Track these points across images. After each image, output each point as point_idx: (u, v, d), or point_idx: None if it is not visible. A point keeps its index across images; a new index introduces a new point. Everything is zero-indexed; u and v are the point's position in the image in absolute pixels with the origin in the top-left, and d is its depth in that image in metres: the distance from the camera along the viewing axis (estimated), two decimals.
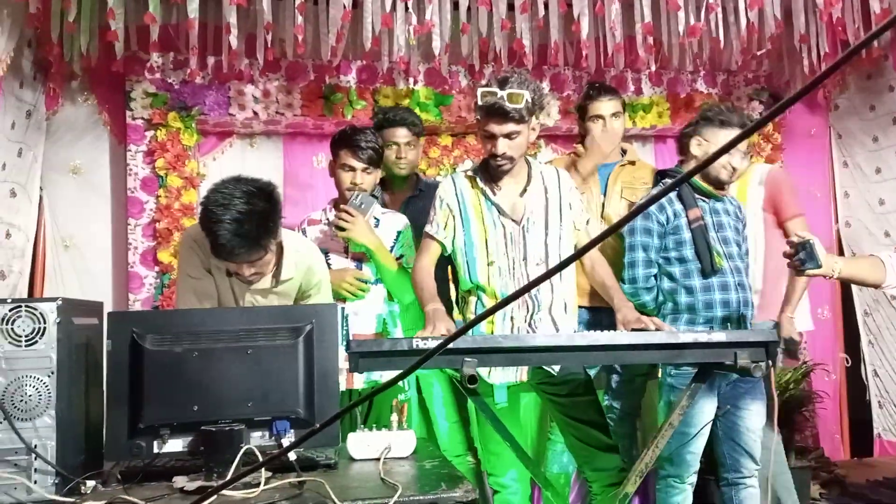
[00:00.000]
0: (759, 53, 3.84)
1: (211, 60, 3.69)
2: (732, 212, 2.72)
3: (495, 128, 2.31)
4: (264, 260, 2.13)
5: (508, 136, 2.32)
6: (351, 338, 2.57)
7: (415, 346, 1.88)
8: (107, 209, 3.85)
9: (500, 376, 2.34)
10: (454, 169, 4.12)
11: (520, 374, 2.36)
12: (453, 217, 2.45)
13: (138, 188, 3.75)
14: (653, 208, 2.72)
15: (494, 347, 1.94)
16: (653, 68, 3.93)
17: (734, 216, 2.72)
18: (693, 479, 2.63)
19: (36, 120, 3.60)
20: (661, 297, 2.65)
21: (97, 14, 3.30)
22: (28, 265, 3.60)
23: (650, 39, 3.56)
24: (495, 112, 2.28)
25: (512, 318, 2.38)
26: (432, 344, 1.88)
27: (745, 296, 2.62)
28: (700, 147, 2.66)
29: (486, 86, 2.31)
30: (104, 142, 3.86)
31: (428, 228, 2.48)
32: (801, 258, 2.16)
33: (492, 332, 2.35)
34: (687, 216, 2.62)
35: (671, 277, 2.64)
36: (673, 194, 2.71)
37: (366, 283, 2.65)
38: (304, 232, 2.76)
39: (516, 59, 3.66)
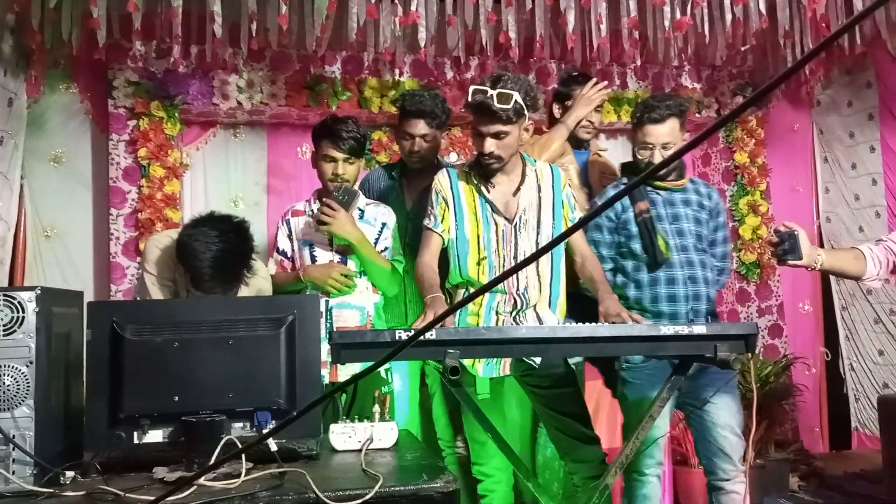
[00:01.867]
0: (743, 49, 3.87)
1: (195, 49, 3.66)
2: (695, 201, 2.67)
3: (482, 127, 2.31)
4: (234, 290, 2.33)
5: (496, 135, 2.32)
6: (334, 330, 2.57)
7: (397, 338, 1.88)
8: (88, 199, 3.82)
9: (483, 369, 2.35)
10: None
11: (503, 367, 2.36)
12: (448, 210, 2.44)
13: (120, 178, 3.72)
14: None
15: (477, 339, 1.95)
16: (638, 62, 3.95)
17: (697, 206, 2.66)
18: (657, 470, 2.59)
19: (17, 108, 3.56)
20: (617, 292, 2.64)
21: (80, 1, 3.26)
22: (9, 254, 3.56)
23: (636, 33, 3.57)
24: (483, 111, 2.28)
25: (497, 312, 2.39)
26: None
27: (696, 290, 2.57)
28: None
29: (480, 84, 2.30)
30: (86, 130, 3.83)
31: (426, 222, 2.47)
32: (784, 248, 2.17)
33: (477, 325, 2.36)
34: (634, 209, 2.62)
35: (624, 272, 2.66)
36: (620, 187, 2.74)
37: (351, 277, 2.65)
38: (287, 223, 2.75)
39: (502, 51, 3.65)
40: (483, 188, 2.43)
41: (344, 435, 1.93)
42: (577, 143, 3.08)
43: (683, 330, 1.95)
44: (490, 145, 2.33)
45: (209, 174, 3.98)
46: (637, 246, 2.60)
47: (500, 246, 2.40)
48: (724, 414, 2.56)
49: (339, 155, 2.63)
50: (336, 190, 2.60)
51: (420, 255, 2.45)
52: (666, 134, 2.57)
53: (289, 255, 2.74)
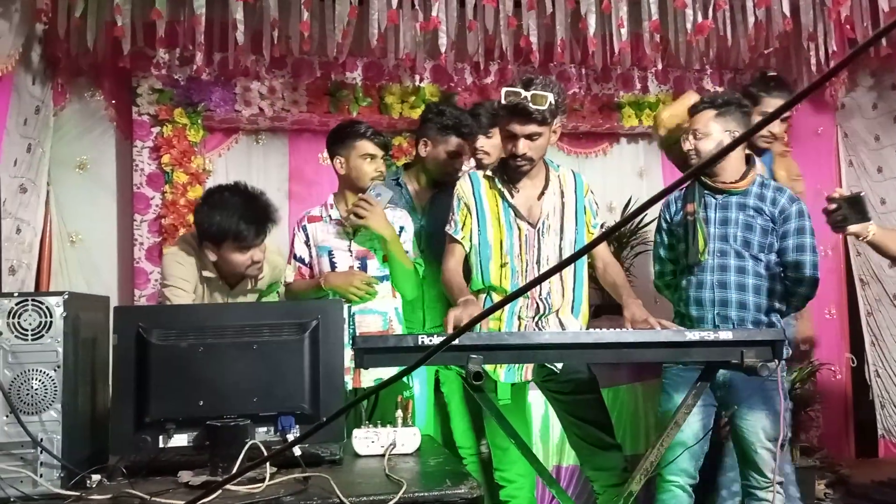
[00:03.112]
0: (766, 52, 3.83)
1: (217, 57, 3.69)
2: (752, 206, 2.55)
3: (517, 128, 2.31)
4: (261, 254, 2.50)
5: (530, 137, 2.32)
6: (357, 335, 2.57)
7: (420, 343, 1.87)
8: (113, 205, 3.86)
9: (504, 375, 2.34)
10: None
11: (524, 373, 2.36)
12: (470, 216, 2.44)
13: (144, 184, 3.76)
14: (661, 206, 2.73)
15: (500, 344, 1.94)
16: (659, 66, 3.92)
17: (753, 210, 2.54)
18: (681, 479, 2.54)
19: (44, 116, 3.62)
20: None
21: (104, 9, 3.30)
22: (35, 260, 3.61)
23: (657, 37, 3.55)
24: (519, 112, 2.28)
25: (520, 317, 2.38)
26: (437, 340, 1.88)
27: (724, 295, 2.52)
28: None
29: (511, 86, 2.30)
30: (110, 137, 3.87)
31: (448, 229, 2.47)
32: (844, 213, 2.12)
33: (499, 330, 2.35)
34: (685, 210, 2.61)
35: (673, 274, 2.66)
36: (678, 193, 2.72)
37: (372, 284, 2.65)
38: (303, 229, 2.73)
39: (522, 56, 3.65)
40: (507, 193, 2.42)
41: (367, 440, 1.93)
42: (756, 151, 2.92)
43: (709, 336, 1.93)
44: (524, 147, 2.33)
45: (231, 180, 3.99)
46: (682, 248, 2.59)
47: (523, 251, 2.39)
48: (757, 427, 2.52)
49: (378, 152, 2.67)
50: (372, 187, 2.62)
51: (445, 262, 2.46)
52: (696, 122, 2.57)
53: (306, 261, 2.73)
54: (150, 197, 3.76)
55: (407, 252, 2.70)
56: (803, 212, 2.59)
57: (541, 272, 2.38)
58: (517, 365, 2.33)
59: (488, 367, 2.31)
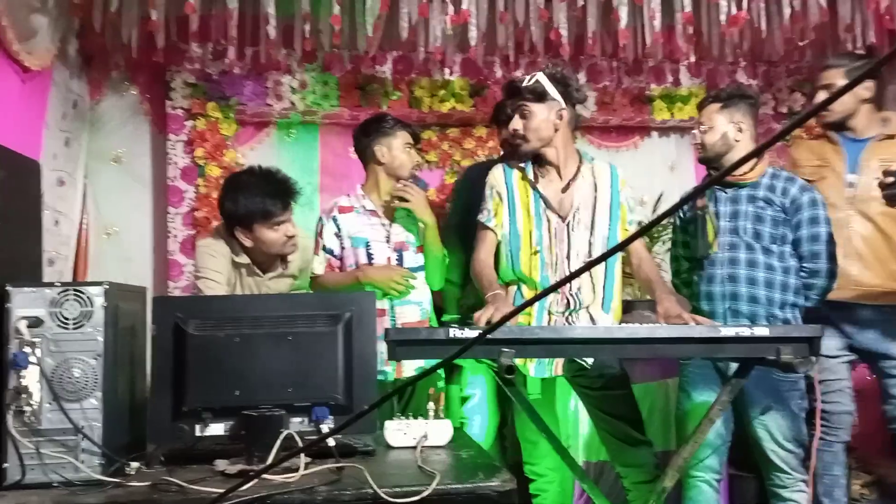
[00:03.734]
0: (802, 43, 3.75)
1: (249, 51, 3.72)
2: (762, 198, 2.52)
3: (508, 104, 2.40)
4: (294, 229, 2.57)
5: (521, 114, 2.35)
6: (398, 326, 2.59)
7: (451, 336, 1.88)
8: (147, 198, 3.92)
9: (534, 369, 2.33)
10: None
11: (555, 367, 2.35)
12: (502, 204, 2.44)
13: (178, 177, 3.81)
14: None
15: (532, 338, 1.94)
16: (692, 59, 3.87)
17: (763, 202, 2.52)
18: (707, 476, 2.53)
19: (81, 110, 3.68)
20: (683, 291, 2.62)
21: (139, 4, 3.35)
22: (72, 252, 3.68)
23: (690, 29, 3.50)
24: (509, 91, 2.38)
25: (550, 312, 2.37)
26: (469, 333, 1.88)
27: (735, 289, 2.48)
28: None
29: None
30: (145, 131, 3.93)
31: (481, 217, 2.47)
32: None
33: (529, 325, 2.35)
34: (695, 205, 2.58)
35: (687, 270, 2.64)
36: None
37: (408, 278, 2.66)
38: (334, 220, 2.71)
39: (552, 49, 3.63)
40: (538, 183, 2.42)
41: (399, 432, 1.94)
42: (852, 129, 2.81)
43: (744, 332, 1.91)
44: (515, 122, 2.37)
45: None
46: (694, 243, 2.57)
47: (553, 243, 2.38)
48: (774, 428, 2.52)
49: (414, 142, 2.73)
50: (412, 176, 2.67)
51: (476, 252, 2.45)
52: (702, 115, 2.58)
53: (336, 253, 2.70)
54: (183, 190, 3.81)
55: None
56: (816, 201, 2.54)
57: (571, 267, 2.37)
58: (547, 360, 2.32)
59: (518, 362, 2.30)
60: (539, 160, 2.43)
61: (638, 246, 2.49)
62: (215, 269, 2.56)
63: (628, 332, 1.98)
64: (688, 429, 2.46)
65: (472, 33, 3.36)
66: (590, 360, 2.34)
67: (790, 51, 3.90)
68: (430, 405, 2.01)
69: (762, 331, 1.91)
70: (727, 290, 2.50)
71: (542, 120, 2.36)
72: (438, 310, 2.98)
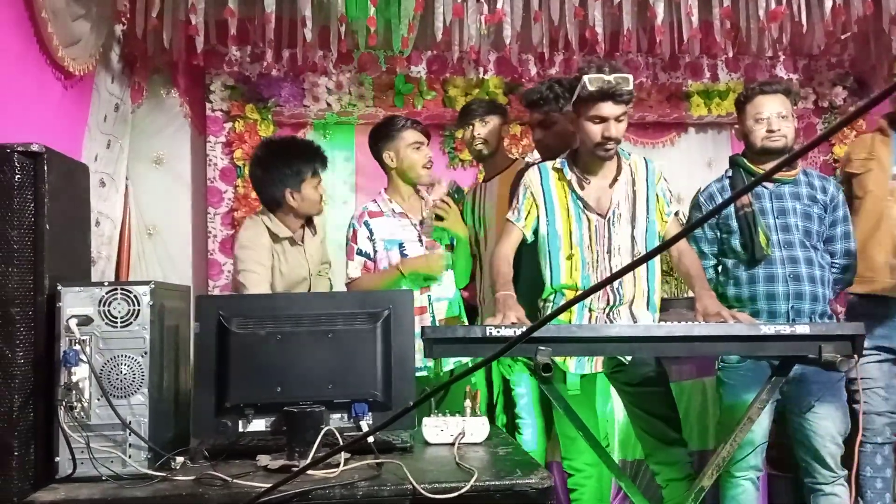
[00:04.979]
0: (843, 37, 3.68)
1: (286, 53, 3.78)
2: (806, 195, 2.53)
3: (609, 110, 2.28)
4: (321, 187, 2.71)
5: (618, 118, 2.31)
6: (437, 322, 2.62)
7: (488, 334, 1.89)
8: (187, 198, 4.01)
9: (574, 366, 2.33)
10: (523, 159, 4.10)
11: (594, 364, 2.35)
12: (536, 206, 2.44)
13: (217, 178, 3.88)
14: (703, 199, 2.68)
15: (569, 336, 1.94)
16: (730, 54, 3.82)
17: (808, 199, 2.53)
18: (751, 475, 2.52)
19: (123, 112, 3.77)
20: (718, 290, 2.57)
21: (180, 9, 3.42)
22: (115, 252, 3.77)
23: (728, 24, 3.46)
24: (610, 96, 2.26)
25: (591, 309, 2.36)
26: (505, 331, 1.89)
27: (798, 288, 2.46)
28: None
29: (581, 73, 2.29)
30: (185, 133, 4.02)
31: (510, 216, 2.47)
32: None
33: (570, 322, 2.34)
34: (734, 204, 2.52)
35: (724, 269, 2.59)
36: (725, 182, 2.66)
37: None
38: (365, 224, 2.72)
39: (587, 46, 3.61)
40: (576, 185, 2.41)
41: (436, 428, 1.96)
42: None
43: (785, 330, 1.89)
44: (614, 129, 2.31)
45: None
46: (737, 242, 2.53)
47: (593, 241, 2.37)
48: (827, 423, 2.49)
49: (424, 140, 2.73)
50: (450, 185, 2.67)
51: (499, 246, 2.45)
52: (780, 104, 2.51)
53: (371, 256, 2.73)
54: (222, 191, 3.88)
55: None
56: (844, 199, 2.63)
57: (612, 263, 2.35)
58: (587, 357, 2.32)
59: (558, 359, 2.31)
60: (584, 158, 2.42)
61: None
62: (258, 262, 2.59)
63: (666, 330, 1.97)
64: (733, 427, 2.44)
65: (507, 32, 3.37)
66: (629, 357, 2.33)
67: (831, 44, 3.83)
68: (467, 402, 2.02)
69: (803, 329, 1.88)
70: (791, 290, 2.47)
71: (626, 122, 2.38)
72: (471, 308, 3.00)
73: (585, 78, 2.26)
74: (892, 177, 2.71)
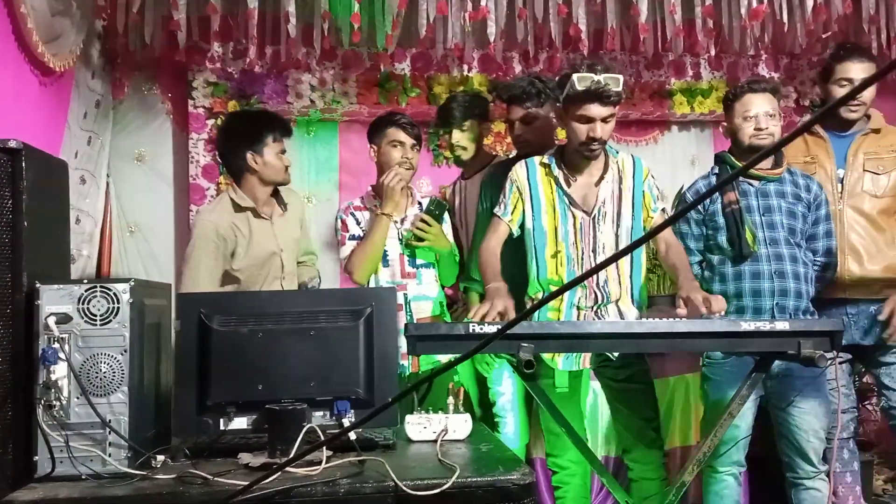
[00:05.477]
0: (824, 36, 3.72)
1: (269, 50, 3.76)
2: (791, 193, 2.58)
3: (595, 111, 2.28)
4: (286, 157, 2.65)
5: (605, 119, 2.31)
6: (414, 321, 2.62)
7: (471, 331, 1.89)
8: (170, 195, 3.98)
9: (562, 363, 2.34)
10: (507, 156, 4.11)
11: (582, 360, 2.35)
12: (522, 201, 2.44)
13: (200, 175, 3.86)
14: (689, 195, 2.72)
15: (551, 333, 1.94)
16: (712, 52, 3.85)
17: (793, 198, 2.57)
18: (734, 470, 2.55)
19: (104, 109, 3.74)
20: (703, 286, 2.59)
21: (161, 5, 3.39)
22: (96, 249, 3.74)
23: (710, 22, 3.48)
24: (597, 96, 2.26)
25: (578, 307, 2.37)
26: (488, 328, 1.89)
27: (783, 285, 2.49)
28: None
29: (575, 71, 2.28)
30: (167, 130, 3.99)
31: (497, 210, 2.48)
32: None
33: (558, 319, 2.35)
34: (722, 200, 2.55)
35: (710, 265, 2.61)
36: (712, 178, 2.69)
37: (420, 266, 2.71)
38: (352, 215, 2.78)
39: (571, 44, 3.63)
40: (563, 181, 2.41)
41: (419, 425, 1.96)
42: (840, 124, 2.80)
43: (765, 326, 1.90)
44: (600, 130, 2.31)
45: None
46: (723, 238, 2.55)
47: (578, 238, 2.38)
48: (809, 417, 2.53)
49: (408, 140, 2.71)
50: (430, 203, 2.67)
51: (486, 241, 2.45)
52: (767, 103, 2.53)
53: (362, 238, 2.75)
54: (205, 188, 3.86)
55: (451, 242, 2.79)
56: (827, 198, 2.67)
57: (596, 260, 2.36)
58: (575, 353, 2.32)
59: (546, 356, 2.31)
60: (572, 156, 2.42)
61: (665, 232, 2.48)
62: (204, 259, 2.54)
63: (648, 326, 1.98)
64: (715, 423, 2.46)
65: (491, 29, 3.37)
66: (615, 353, 2.34)
67: (812, 43, 3.87)
68: (450, 399, 2.02)
69: (783, 325, 1.90)
70: (776, 286, 2.49)
71: (614, 122, 2.38)
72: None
73: (574, 76, 2.26)
74: (838, 180, 2.76)
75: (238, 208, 2.60)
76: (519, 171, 2.47)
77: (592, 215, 2.39)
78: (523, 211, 2.44)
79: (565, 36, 3.53)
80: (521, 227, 2.45)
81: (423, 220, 2.64)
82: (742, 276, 2.53)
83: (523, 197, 2.44)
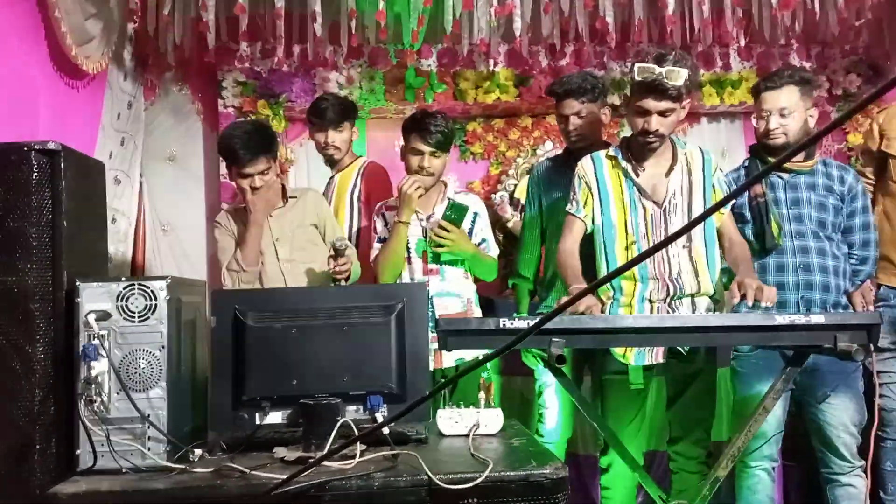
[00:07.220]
0: (857, 24, 3.65)
1: (297, 49, 3.79)
2: (823, 185, 2.53)
3: (651, 104, 2.26)
4: (268, 177, 2.68)
5: (663, 113, 2.28)
6: (437, 317, 2.62)
7: (501, 326, 1.90)
8: (201, 195, 4.03)
9: (634, 357, 2.31)
10: (534, 151, 4.11)
11: (655, 354, 2.31)
12: (591, 196, 2.41)
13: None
14: (722, 187, 2.66)
15: (582, 328, 1.94)
16: (742, 42, 3.79)
17: (824, 190, 2.53)
18: (766, 465, 2.52)
19: (136, 110, 3.79)
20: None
21: (191, 7, 3.43)
22: (130, 248, 3.81)
23: (740, 12, 3.43)
24: (653, 89, 2.24)
25: (651, 301, 2.33)
26: (519, 323, 1.90)
27: (808, 278, 2.46)
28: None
29: (642, 61, 2.26)
30: (198, 130, 4.04)
31: (569, 208, 2.45)
32: None
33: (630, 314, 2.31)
34: (748, 194, 2.52)
35: None
36: (742, 171, 2.65)
37: (444, 263, 2.71)
38: (382, 216, 2.81)
39: (598, 37, 3.60)
40: (631, 172, 2.38)
41: (451, 420, 1.97)
42: None
43: (800, 319, 1.88)
44: (657, 123, 2.28)
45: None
46: (749, 231, 2.52)
47: (650, 230, 2.34)
48: (841, 413, 2.49)
49: (426, 148, 2.69)
50: (448, 208, 2.67)
51: (562, 241, 2.43)
52: (783, 99, 2.48)
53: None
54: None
55: (484, 241, 2.77)
56: (865, 190, 2.61)
57: (668, 252, 2.31)
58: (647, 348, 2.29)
59: (618, 351, 2.30)
60: (635, 147, 2.40)
61: (730, 229, 2.43)
62: (225, 247, 2.75)
63: (679, 320, 1.97)
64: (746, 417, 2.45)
65: (517, 24, 3.36)
66: (686, 347, 2.30)
67: (845, 31, 3.79)
68: (481, 394, 2.03)
69: (818, 318, 1.88)
70: (801, 280, 2.47)
71: (677, 116, 2.33)
72: (486, 301, 3.01)
73: (636, 66, 2.24)
74: None
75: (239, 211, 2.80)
76: (585, 165, 2.44)
77: (663, 206, 2.35)
78: (593, 206, 2.41)
79: (592, 29, 3.51)
80: (592, 221, 2.42)
81: (440, 227, 2.64)
82: (766, 269, 2.50)
83: (591, 192, 2.41)
